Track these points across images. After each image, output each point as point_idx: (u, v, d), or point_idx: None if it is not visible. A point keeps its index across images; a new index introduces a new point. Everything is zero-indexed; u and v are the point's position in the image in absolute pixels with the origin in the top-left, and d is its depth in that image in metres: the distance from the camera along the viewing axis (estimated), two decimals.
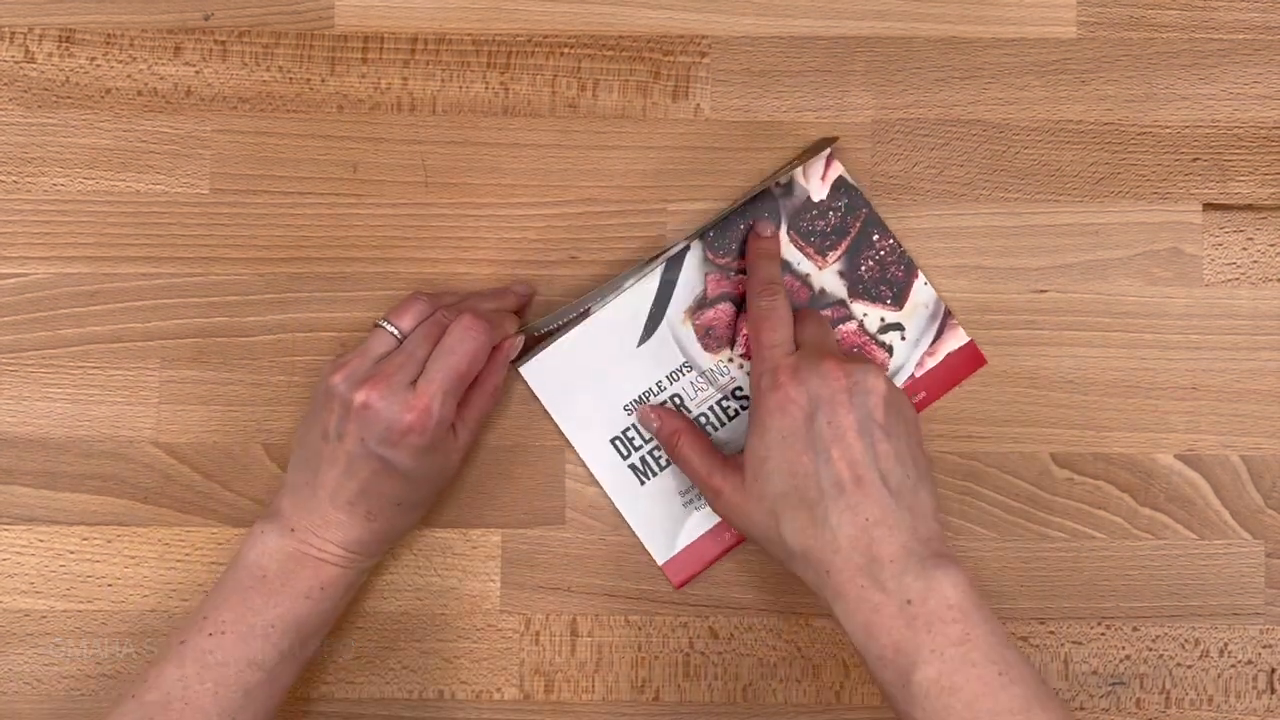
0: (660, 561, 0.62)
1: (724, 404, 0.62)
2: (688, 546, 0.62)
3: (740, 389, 0.62)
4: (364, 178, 0.63)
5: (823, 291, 0.62)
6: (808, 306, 0.62)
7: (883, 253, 0.62)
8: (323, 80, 0.64)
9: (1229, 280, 0.63)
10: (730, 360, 0.62)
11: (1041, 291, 0.63)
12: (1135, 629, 0.62)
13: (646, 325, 0.62)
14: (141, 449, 0.62)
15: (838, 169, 0.62)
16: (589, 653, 0.62)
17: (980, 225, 0.63)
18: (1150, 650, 0.62)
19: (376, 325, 0.58)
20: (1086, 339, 0.63)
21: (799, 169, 0.62)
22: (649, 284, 0.62)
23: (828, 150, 0.62)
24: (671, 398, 0.62)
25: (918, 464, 0.53)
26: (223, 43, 0.64)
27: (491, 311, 0.59)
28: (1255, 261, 0.63)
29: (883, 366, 0.62)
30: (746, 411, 0.62)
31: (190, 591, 0.62)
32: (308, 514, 0.56)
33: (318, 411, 0.56)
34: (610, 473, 0.62)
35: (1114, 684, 0.62)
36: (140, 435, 0.62)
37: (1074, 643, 0.62)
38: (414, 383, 0.55)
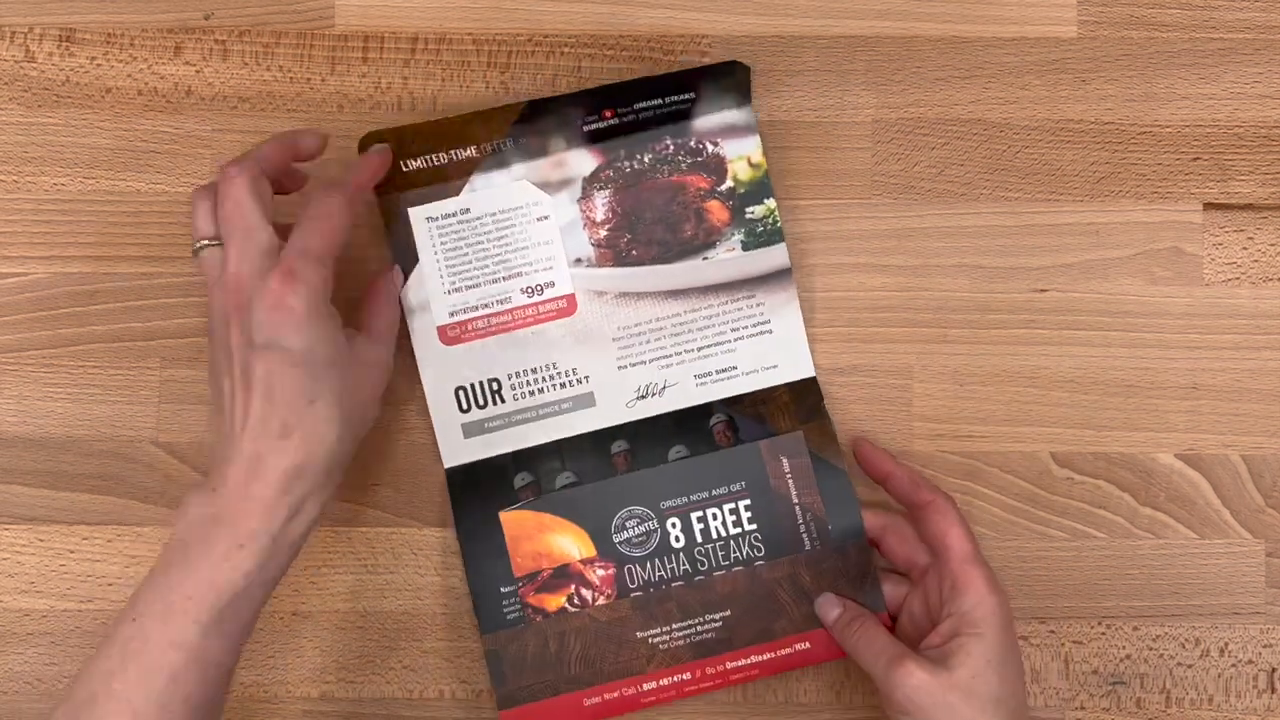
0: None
1: None
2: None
3: None
4: None
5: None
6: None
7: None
8: (323, 80, 0.64)
9: (1229, 280, 0.63)
10: None
11: (1041, 291, 0.63)
12: (1135, 629, 0.62)
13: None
14: (141, 449, 0.62)
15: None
16: None
17: (980, 225, 0.63)
18: (1150, 650, 0.62)
19: (193, 254, 0.54)
20: (1086, 339, 0.63)
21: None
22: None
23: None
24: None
25: None
26: (223, 42, 0.64)
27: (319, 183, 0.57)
28: (1255, 261, 0.63)
29: None
30: None
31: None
32: (223, 463, 0.51)
33: (211, 355, 0.54)
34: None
35: (1114, 683, 0.62)
36: (140, 435, 0.62)
37: (1074, 642, 0.62)
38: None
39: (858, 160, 0.64)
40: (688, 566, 0.60)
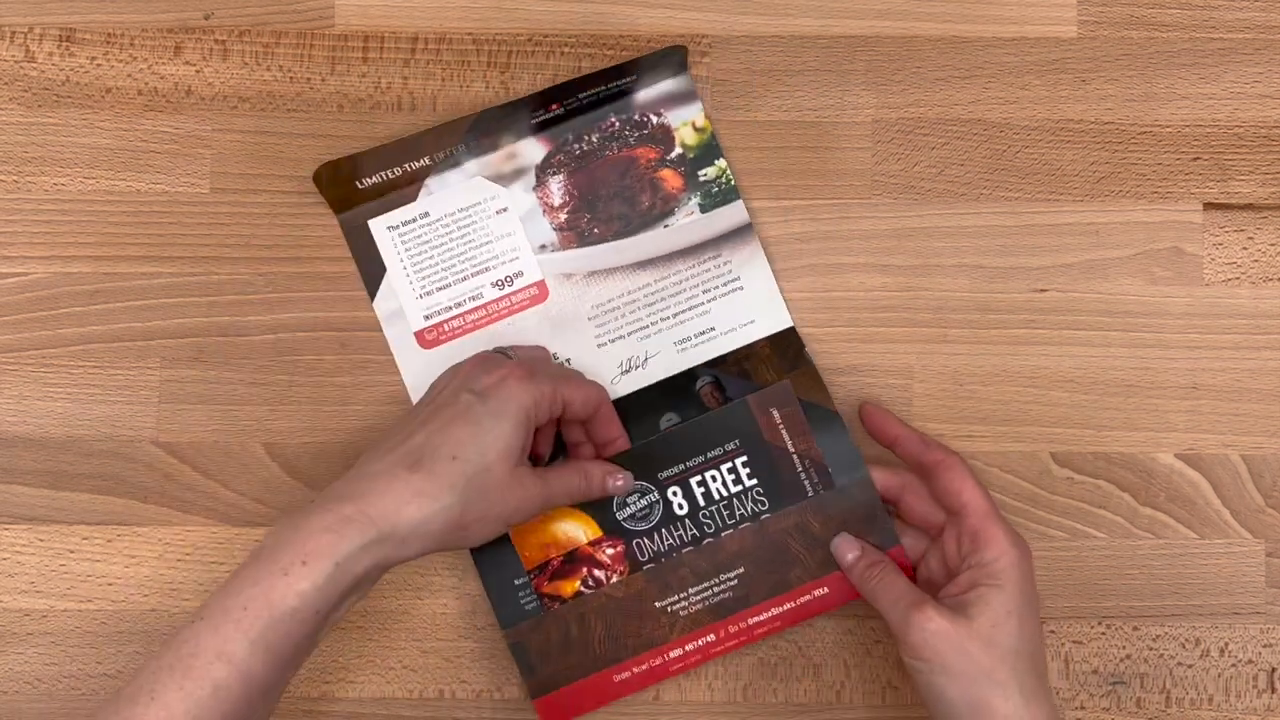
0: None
1: None
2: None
3: None
4: None
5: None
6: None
7: None
8: (323, 80, 0.64)
9: (1229, 280, 0.63)
10: None
11: (1041, 291, 0.63)
12: (1135, 629, 0.62)
13: None
14: (141, 449, 0.62)
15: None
16: None
17: (980, 225, 0.63)
18: (1150, 650, 0.62)
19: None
20: (1086, 339, 0.63)
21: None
22: None
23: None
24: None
25: None
26: (223, 42, 0.64)
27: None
28: (1255, 261, 0.63)
29: None
30: None
31: (190, 591, 0.62)
32: (347, 481, 0.52)
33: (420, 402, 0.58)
34: None
35: (1114, 683, 0.62)
36: (140, 435, 0.62)
37: (1074, 642, 0.62)
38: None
39: (858, 160, 0.64)
40: (695, 531, 0.61)
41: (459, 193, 0.62)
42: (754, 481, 0.61)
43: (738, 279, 0.63)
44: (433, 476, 0.52)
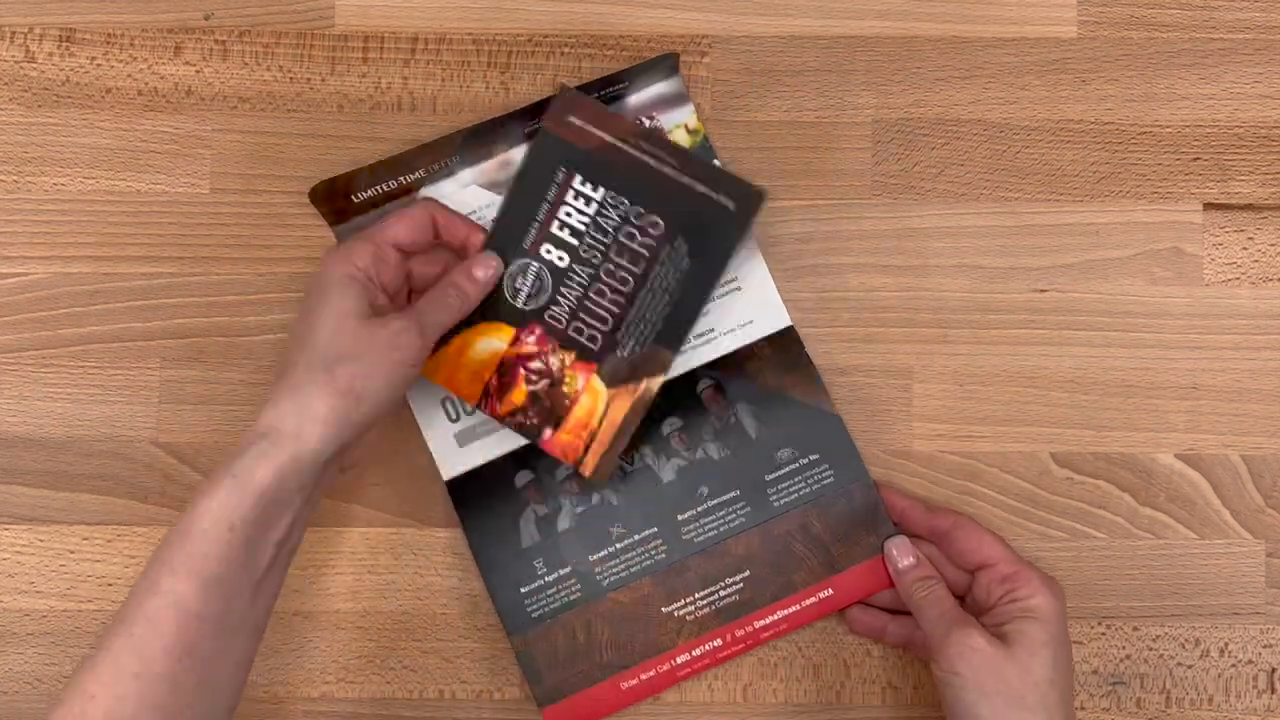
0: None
1: None
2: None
3: None
4: None
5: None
6: None
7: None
8: (323, 80, 0.64)
9: (1229, 280, 0.63)
10: None
11: (1041, 291, 0.63)
12: (1135, 629, 0.62)
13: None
14: (141, 449, 0.62)
15: None
16: None
17: (980, 225, 0.63)
18: (1150, 650, 0.62)
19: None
20: (1086, 339, 0.63)
21: None
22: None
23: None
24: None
25: None
26: (223, 42, 0.64)
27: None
28: (1255, 261, 0.63)
29: None
30: None
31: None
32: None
33: None
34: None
35: (1114, 684, 0.62)
36: (140, 435, 0.62)
37: (1074, 642, 0.62)
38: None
39: (858, 160, 0.64)
40: (589, 269, 0.60)
41: (453, 202, 0.62)
42: (602, 192, 0.60)
43: (735, 279, 0.63)
44: (294, 368, 0.53)
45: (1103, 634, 0.62)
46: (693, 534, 0.61)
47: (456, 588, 0.62)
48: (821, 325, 0.63)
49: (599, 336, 0.60)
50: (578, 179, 0.60)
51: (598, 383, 0.60)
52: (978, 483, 0.63)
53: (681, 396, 0.62)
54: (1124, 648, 0.62)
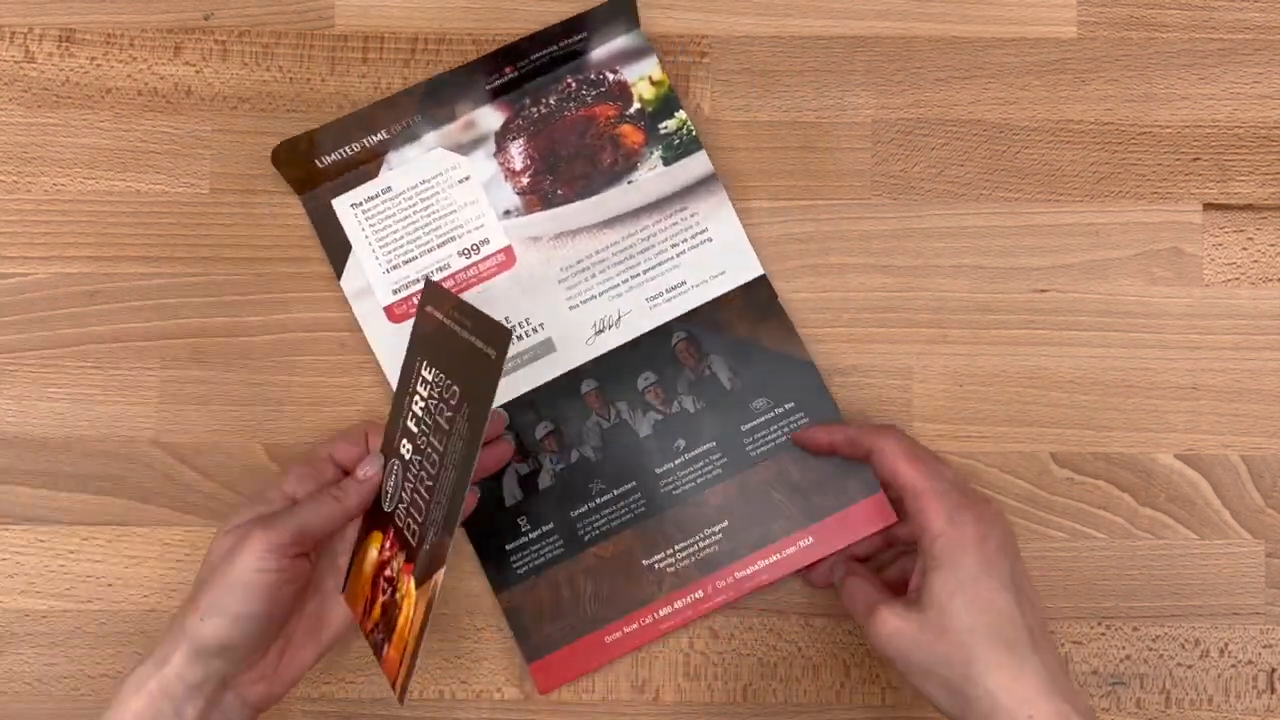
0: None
1: None
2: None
3: None
4: None
5: None
6: None
7: None
8: (323, 80, 0.64)
9: (1229, 280, 0.63)
10: None
11: (1041, 291, 0.63)
12: (1135, 629, 0.62)
13: None
14: (141, 449, 0.62)
15: None
16: None
17: (980, 225, 0.63)
18: (1150, 650, 0.62)
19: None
20: (1086, 339, 0.63)
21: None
22: None
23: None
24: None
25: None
26: (223, 43, 0.64)
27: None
28: (1255, 261, 0.63)
29: None
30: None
31: (190, 592, 0.62)
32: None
33: None
34: None
35: (1114, 684, 0.62)
36: (140, 435, 0.62)
37: (1074, 643, 0.62)
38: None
39: (858, 160, 0.64)
40: (426, 465, 0.54)
41: (420, 165, 0.62)
42: (434, 373, 0.55)
43: (705, 230, 0.63)
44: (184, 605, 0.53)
45: (1103, 634, 0.62)
46: (670, 487, 0.61)
47: (456, 588, 0.62)
48: (821, 325, 0.63)
49: (416, 530, 0.54)
50: (424, 365, 0.55)
51: (413, 584, 0.53)
52: (978, 483, 0.63)
53: (655, 351, 0.62)
54: (1124, 648, 0.62)
